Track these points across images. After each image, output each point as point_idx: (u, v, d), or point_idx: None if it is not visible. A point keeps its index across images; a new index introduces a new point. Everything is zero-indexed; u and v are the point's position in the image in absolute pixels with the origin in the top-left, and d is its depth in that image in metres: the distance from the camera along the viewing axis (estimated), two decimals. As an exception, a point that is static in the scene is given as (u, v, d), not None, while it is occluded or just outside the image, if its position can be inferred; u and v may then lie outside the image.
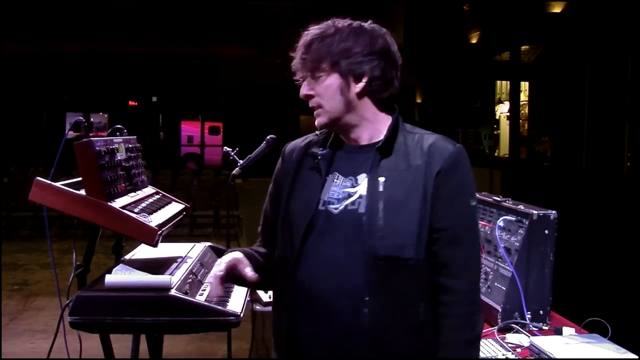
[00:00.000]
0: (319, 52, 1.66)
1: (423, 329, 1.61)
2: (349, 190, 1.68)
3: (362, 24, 1.69)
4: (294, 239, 1.68)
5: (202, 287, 2.37)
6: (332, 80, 1.67)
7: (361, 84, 1.66)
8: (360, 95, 1.67)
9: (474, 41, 17.97)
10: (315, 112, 1.71)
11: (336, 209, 1.66)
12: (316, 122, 1.72)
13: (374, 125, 1.70)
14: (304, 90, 1.70)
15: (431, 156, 1.63)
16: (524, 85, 17.55)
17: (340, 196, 1.68)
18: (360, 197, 1.65)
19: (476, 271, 1.66)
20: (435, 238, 1.61)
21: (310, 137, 1.83)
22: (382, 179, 1.64)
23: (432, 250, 1.61)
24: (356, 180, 1.68)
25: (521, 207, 2.51)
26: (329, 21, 1.69)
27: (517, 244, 2.43)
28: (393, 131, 1.69)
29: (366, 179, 1.67)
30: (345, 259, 1.61)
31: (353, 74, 1.65)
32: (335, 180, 1.71)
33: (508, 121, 17.27)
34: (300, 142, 1.83)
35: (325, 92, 1.68)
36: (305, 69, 1.69)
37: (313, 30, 1.69)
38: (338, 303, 1.61)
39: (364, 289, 1.59)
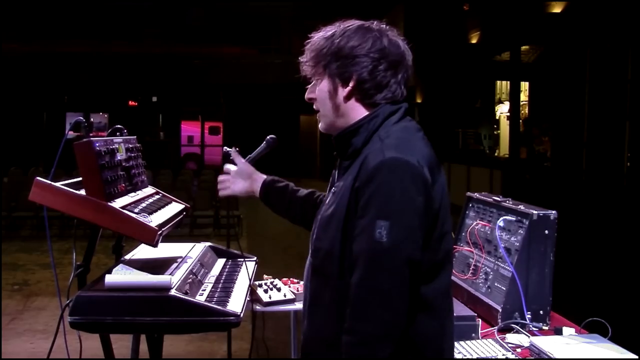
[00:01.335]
0: (314, 56, 1.65)
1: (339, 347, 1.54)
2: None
3: (363, 24, 1.64)
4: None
5: (202, 287, 2.37)
6: (324, 84, 1.65)
7: (348, 88, 1.62)
8: (347, 98, 1.63)
9: (474, 41, 17.96)
10: (317, 116, 1.71)
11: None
12: (319, 127, 1.73)
13: (366, 131, 1.63)
14: (306, 94, 1.71)
15: (359, 171, 1.53)
16: (524, 85, 17.54)
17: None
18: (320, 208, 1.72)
19: (367, 298, 1.46)
20: None
21: None
22: (333, 192, 1.65)
23: None
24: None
25: (521, 207, 2.51)
26: (335, 24, 1.67)
27: (517, 244, 2.43)
28: (338, 140, 1.66)
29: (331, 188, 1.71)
30: (308, 267, 1.71)
31: (340, 78, 1.62)
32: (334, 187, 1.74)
33: (508, 121, 17.28)
34: None
35: (320, 96, 1.67)
36: (306, 72, 1.69)
37: (316, 33, 1.67)
38: (304, 307, 1.73)
39: (308, 298, 1.67)
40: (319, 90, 1.66)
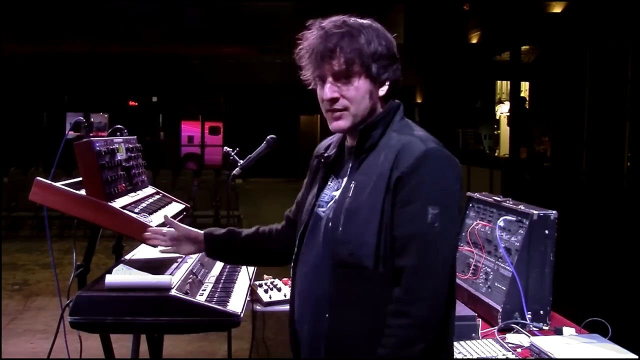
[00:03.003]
0: (349, 53, 1.58)
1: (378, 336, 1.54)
2: (333, 194, 1.69)
3: (372, 23, 1.65)
4: (296, 239, 1.74)
5: (203, 287, 2.37)
6: (362, 84, 1.61)
7: (385, 88, 1.64)
8: (381, 99, 1.65)
9: (474, 41, 17.96)
10: (335, 115, 1.63)
11: (323, 212, 1.69)
12: (335, 125, 1.65)
13: (383, 125, 1.67)
14: (331, 93, 1.61)
15: (397, 160, 1.55)
16: (524, 85, 17.55)
17: (327, 199, 1.70)
18: (335, 202, 1.66)
19: (423, 282, 1.50)
20: (393, 247, 1.54)
21: (336, 136, 1.80)
22: (353, 184, 1.62)
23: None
24: (341, 183, 1.69)
25: (521, 207, 2.51)
26: (338, 18, 1.63)
27: (518, 244, 2.43)
28: (362, 133, 1.64)
29: (344, 182, 1.67)
30: (316, 263, 1.65)
31: (380, 79, 1.62)
32: (329, 183, 1.73)
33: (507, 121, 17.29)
34: (327, 141, 1.84)
35: (355, 95, 1.61)
36: (328, 70, 1.61)
37: (331, 26, 1.61)
38: (309, 306, 1.66)
39: (328, 295, 1.60)
40: (356, 89, 1.61)
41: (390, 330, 1.51)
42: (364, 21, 1.65)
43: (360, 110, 1.63)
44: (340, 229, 1.59)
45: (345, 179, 1.68)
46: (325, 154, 1.76)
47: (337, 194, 1.67)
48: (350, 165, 1.67)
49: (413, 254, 1.51)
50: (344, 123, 1.64)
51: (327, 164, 1.76)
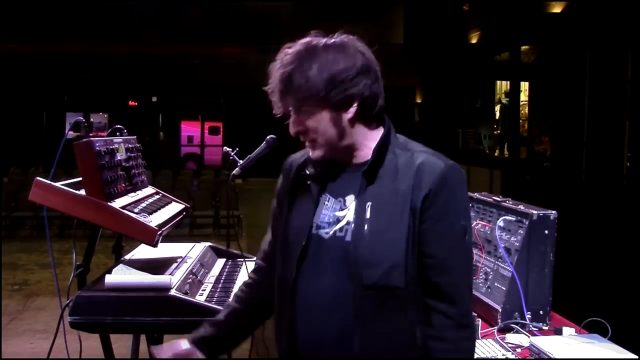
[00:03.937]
0: (302, 87, 1.55)
1: (420, 352, 1.56)
2: (337, 215, 1.62)
3: (335, 40, 1.59)
4: (290, 262, 1.64)
5: (202, 287, 2.37)
6: (323, 114, 1.58)
7: (352, 110, 1.57)
8: (352, 121, 1.59)
9: (474, 41, 17.97)
10: (309, 145, 1.64)
11: (327, 233, 1.62)
12: (314, 155, 1.64)
13: (367, 145, 1.62)
14: (294, 129, 1.62)
15: (419, 179, 1.54)
16: (524, 85, 17.56)
17: (330, 220, 1.62)
18: (348, 223, 1.59)
19: (467, 293, 1.59)
20: (424, 263, 1.54)
21: (309, 151, 1.74)
22: (369, 204, 1.57)
23: (423, 275, 1.55)
24: (344, 202, 1.63)
25: (521, 207, 2.51)
26: (300, 44, 1.58)
27: (517, 244, 2.43)
28: (379, 153, 1.60)
29: (354, 202, 1.60)
30: (334, 287, 1.58)
31: (341, 103, 1.56)
32: (326, 203, 1.65)
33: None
34: (299, 157, 1.77)
35: (318, 126, 1.59)
36: (288, 106, 1.60)
37: (285, 59, 1.57)
38: (329, 331, 1.59)
39: (353, 318, 1.55)
40: (316, 121, 1.59)
41: (450, 344, 1.54)
42: (327, 41, 1.58)
43: (327, 138, 1.60)
44: (366, 251, 1.55)
45: (350, 198, 1.62)
46: (312, 171, 1.69)
47: (343, 214, 1.61)
48: (359, 185, 1.61)
49: (455, 269, 1.56)
50: (320, 153, 1.63)
51: (317, 182, 1.68)
